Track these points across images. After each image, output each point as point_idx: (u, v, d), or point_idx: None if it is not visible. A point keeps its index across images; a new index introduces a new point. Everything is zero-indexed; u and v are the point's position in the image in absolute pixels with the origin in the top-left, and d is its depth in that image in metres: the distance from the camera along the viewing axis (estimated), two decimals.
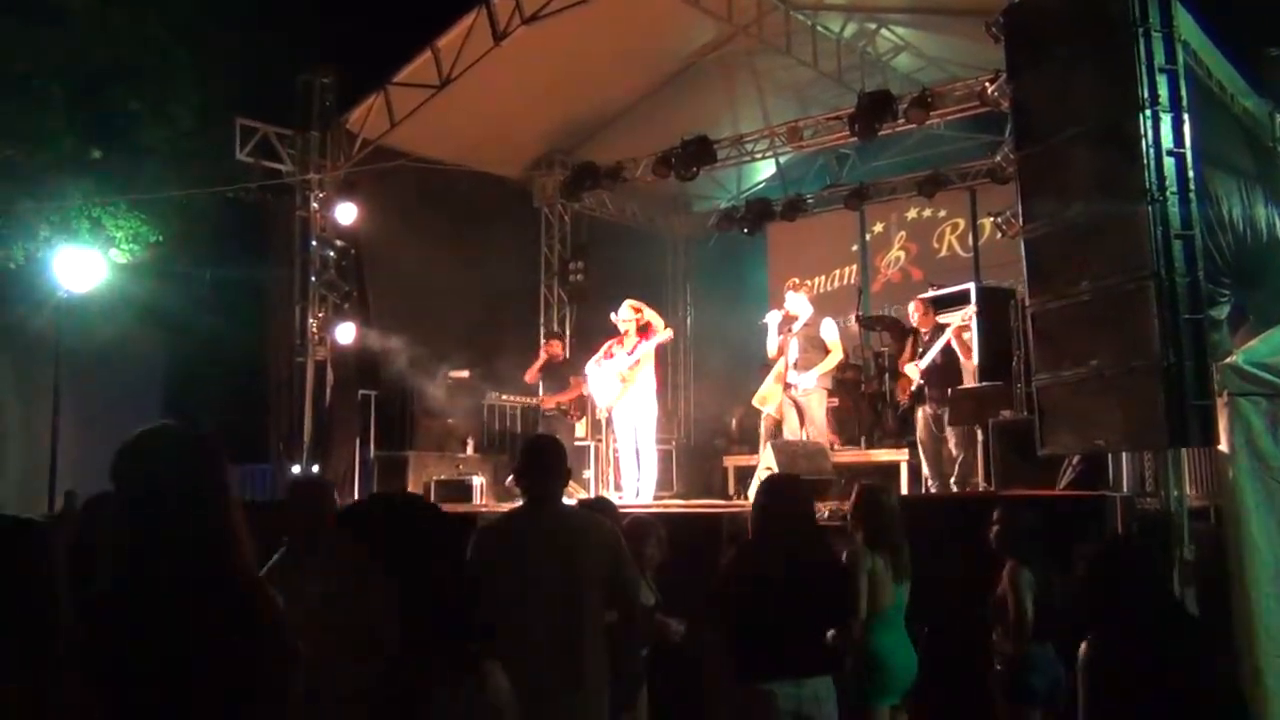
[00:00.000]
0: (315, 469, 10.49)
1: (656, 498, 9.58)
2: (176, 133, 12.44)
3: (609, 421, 9.86)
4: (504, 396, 11.91)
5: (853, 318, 12.10)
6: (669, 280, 16.11)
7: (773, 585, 4.03)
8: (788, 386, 8.88)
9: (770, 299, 14.13)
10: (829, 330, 8.89)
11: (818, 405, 8.83)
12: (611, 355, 9.44)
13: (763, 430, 10.03)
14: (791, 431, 8.87)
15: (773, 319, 9.08)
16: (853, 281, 14.38)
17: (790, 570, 4.04)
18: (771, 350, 9.11)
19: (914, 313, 9.11)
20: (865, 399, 11.45)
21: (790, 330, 9.01)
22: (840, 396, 10.94)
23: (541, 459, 3.85)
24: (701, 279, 15.77)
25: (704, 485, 11.98)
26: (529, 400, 11.54)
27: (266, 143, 10.99)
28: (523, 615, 3.57)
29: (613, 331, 9.62)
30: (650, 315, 9.34)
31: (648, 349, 9.27)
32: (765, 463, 8.19)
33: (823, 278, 14.81)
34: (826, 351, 8.83)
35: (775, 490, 4.37)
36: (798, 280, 14.11)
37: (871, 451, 10.45)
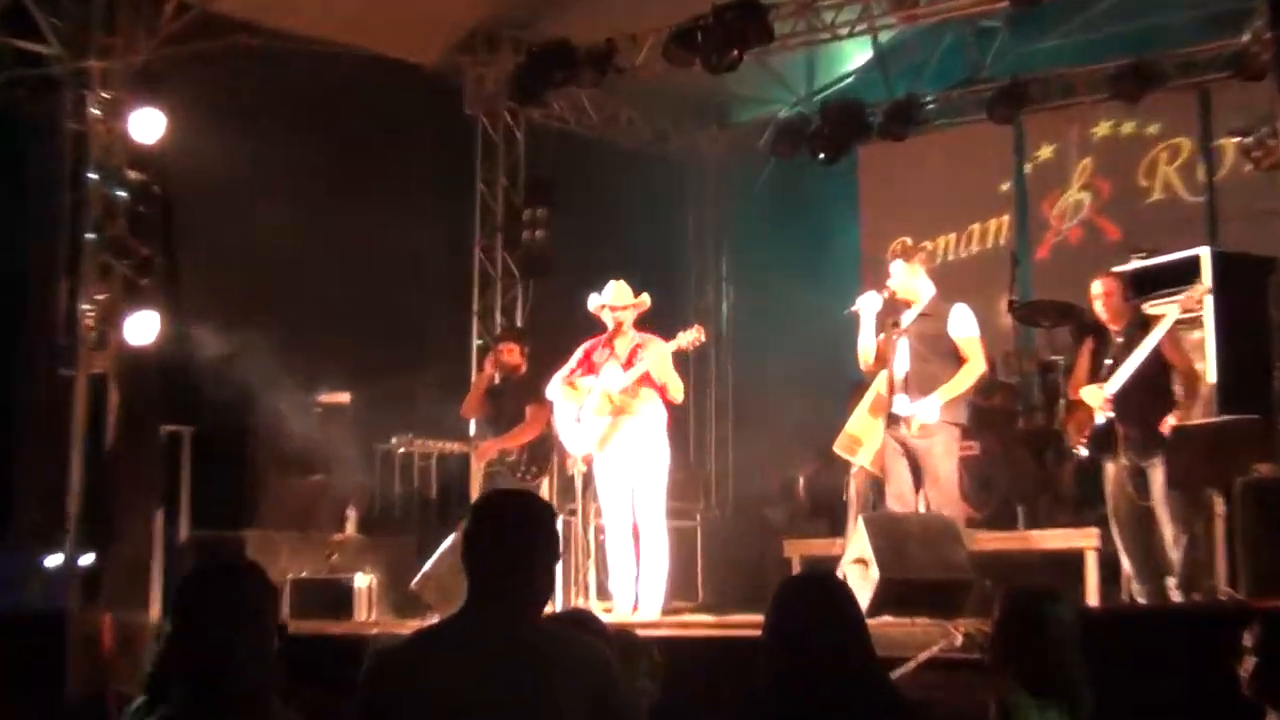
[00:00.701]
0: (87, 559, 10.46)
1: (669, 610, 9.51)
2: None
3: (589, 481, 9.86)
4: (413, 438, 11.88)
5: (1003, 305, 12.04)
6: (692, 240, 16.17)
7: None
8: (894, 421, 8.88)
9: (863, 273, 14.13)
10: (963, 324, 8.87)
11: (944, 453, 8.79)
12: (594, 368, 9.45)
13: (852, 495, 9.90)
14: (900, 497, 8.83)
15: (868, 306, 9.08)
16: (1003, 243, 14.40)
17: None
18: (866, 360, 9.13)
19: (1101, 297, 9.08)
20: (1024, 443, 11.42)
21: (897, 326, 9.02)
22: (983, 438, 10.92)
23: (504, 530, 3.80)
24: (747, 238, 15.83)
25: (750, 590, 11.86)
26: (453, 446, 11.51)
27: (19, 10, 10.97)
28: None
29: (592, 327, 9.60)
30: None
31: (657, 358, 9.27)
32: (855, 551, 8.17)
33: (952, 237, 14.88)
34: (960, 362, 8.81)
35: (797, 601, 4.34)
36: (909, 241, 14.09)
37: (1036, 533, 10.41)
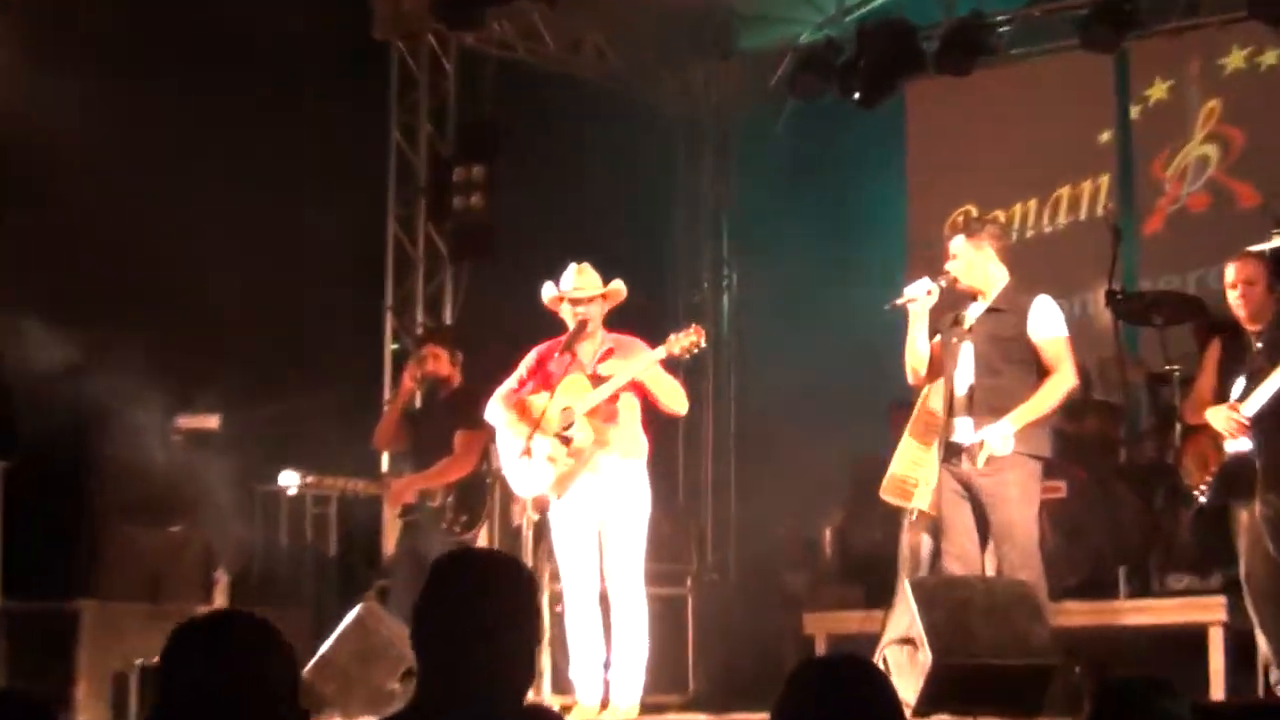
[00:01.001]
0: None
1: (651, 707, 9.56)
2: None
3: (542, 534, 9.88)
4: (306, 476, 11.85)
5: (1100, 295, 12.04)
6: (683, 211, 16.22)
7: None
8: (953, 453, 8.89)
9: (911, 254, 14.17)
10: (1047, 322, 8.87)
11: (1021, 497, 8.73)
12: (549, 381, 9.41)
13: (903, 549, 10.03)
14: (961, 556, 8.86)
15: (920, 297, 9.06)
16: (1102, 213, 14.30)
17: None
18: (916, 369, 9.15)
19: (1238, 285, 9.08)
20: (1128, 482, 11.46)
21: (959, 324, 9.01)
22: (1073, 475, 10.92)
23: (473, 602, 3.86)
24: (756, 208, 15.92)
25: (758, 679, 11.88)
26: (359, 485, 11.51)
27: None
28: None
29: (546, 327, 9.63)
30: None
31: (637, 367, 9.27)
32: (900, 627, 8.23)
33: (1033, 204, 14.95)
34: (1042, 373, 8.86)
35: (814, 693, 4.20)
36: (974, 211, 14.11)
37: (1143, 603, 10.47)
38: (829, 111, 14.65)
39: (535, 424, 9.30)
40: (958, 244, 9.11)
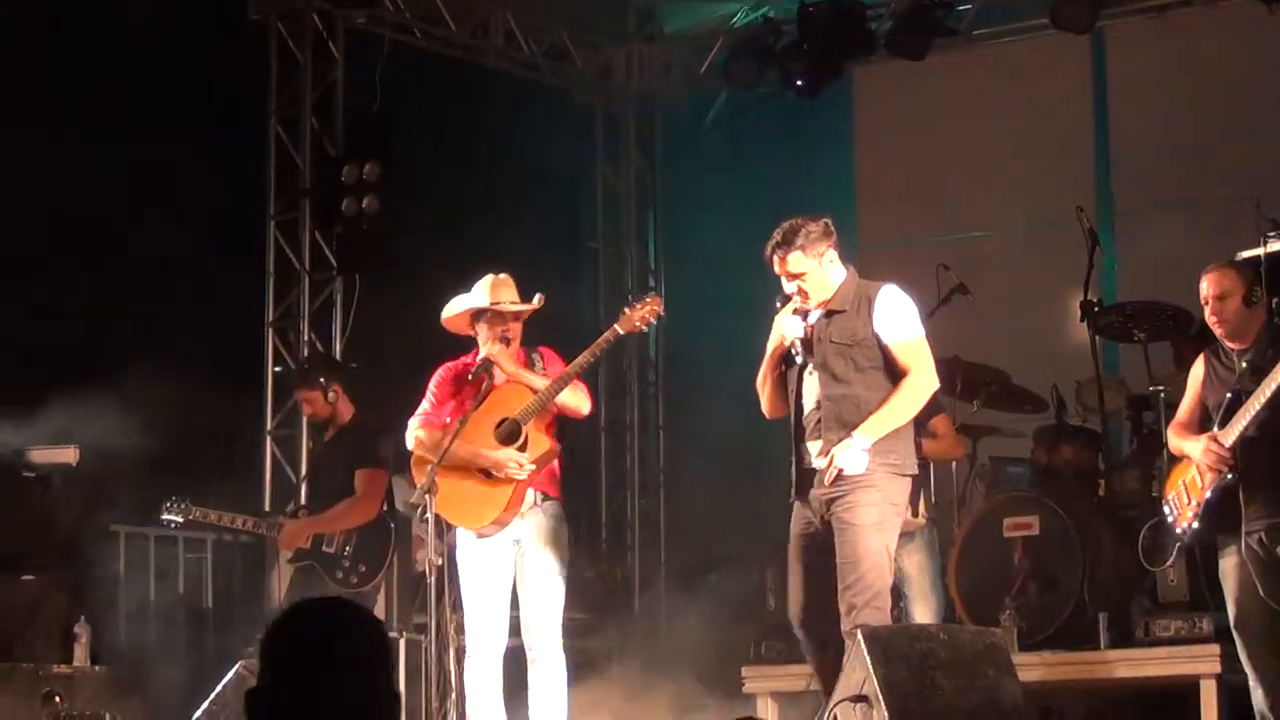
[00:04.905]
0: None
1: None
2: None
3: (444, 586, 9.84)
4: (190, 508, 11.78)
5: (1075, 307, 12.07)
6: (603, 213, 16.32)
7: None
8: (806, 483, 8.73)
9: (860, 259, 14.21)
10: (896, 320, 8.70)
11: (874, 524, 8.43)
12: (462, 403, 9.31)
13: None
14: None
15: (803, 333, 8.81)
16: (1076, 215, 14.45)
17: None
18: (776, 402, 9.03)
19: (1212, 300, 9.07)
20: (1110, 516, 11.51)
21: (808, 336, 8.79)
22: (1046, 512, 11.01)
23: (302, 672, 3.71)
24: (687, 210, 16.01)
25: None
26: (248, 522, 11.42)
27: None
28: None
29: (445, 347, 9.63)
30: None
31: (584, 360, 9.22)
32: (851, 684, 8.17)
33: (998, 204, 15.00)
34: (896, 374, 8.67)
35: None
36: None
37: (1127, 652, 10.50)
38: (767, 101, 14.72)
39: (469, 441, 9.13)
40: (799, 263, 8.82)
